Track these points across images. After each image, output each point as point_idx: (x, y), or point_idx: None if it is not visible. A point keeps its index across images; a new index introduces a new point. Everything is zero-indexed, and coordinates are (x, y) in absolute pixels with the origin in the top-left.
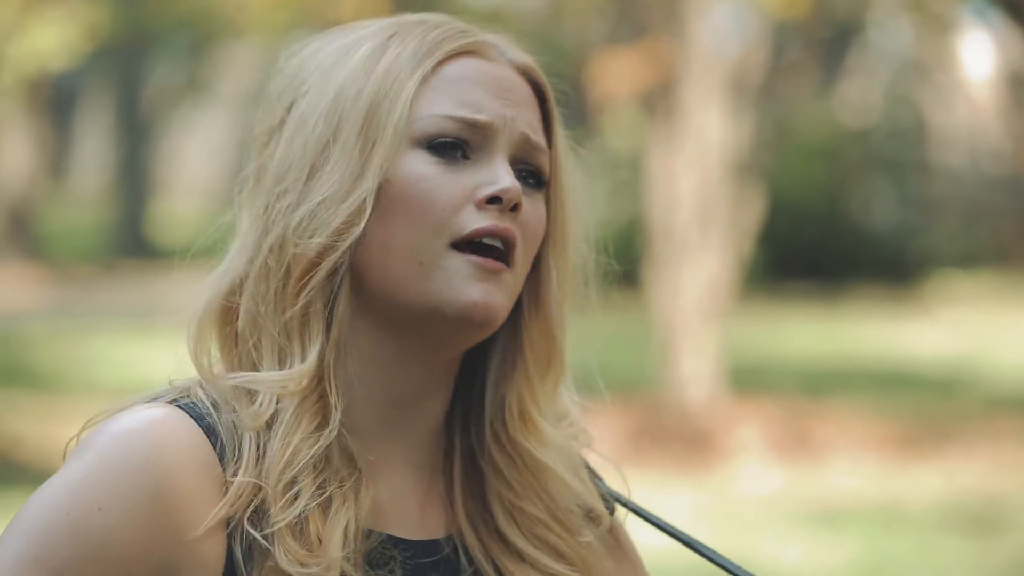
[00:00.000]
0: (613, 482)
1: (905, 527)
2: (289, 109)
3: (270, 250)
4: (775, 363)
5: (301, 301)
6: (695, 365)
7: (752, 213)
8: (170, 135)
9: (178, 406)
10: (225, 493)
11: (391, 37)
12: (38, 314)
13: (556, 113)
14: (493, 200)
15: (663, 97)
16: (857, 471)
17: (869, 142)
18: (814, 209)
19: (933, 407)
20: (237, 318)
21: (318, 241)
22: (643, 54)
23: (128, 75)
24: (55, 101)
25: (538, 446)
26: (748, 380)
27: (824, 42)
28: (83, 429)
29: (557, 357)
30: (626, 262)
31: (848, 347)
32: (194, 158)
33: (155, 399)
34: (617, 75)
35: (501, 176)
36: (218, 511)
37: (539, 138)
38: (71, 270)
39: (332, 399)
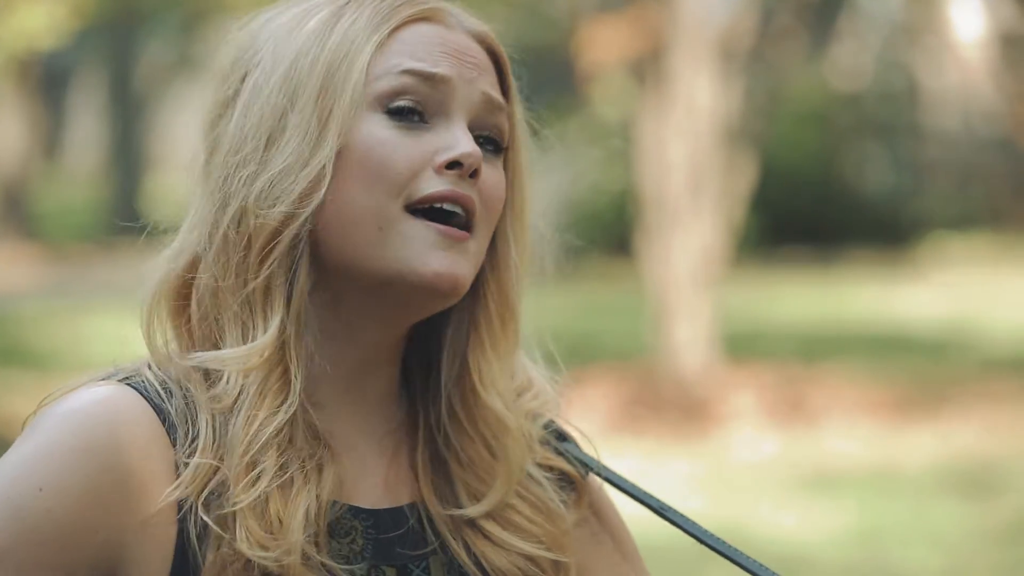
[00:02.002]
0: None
1: (901, 491)
2: (243, 80)
3: (230, 223)
4: (769, 329)
5: (264, 272)
6: (689, 333)
7: (744, 179)
8: (163, 112)
9: (128, 384)
10: (177, 474)
11: (346, 4)
12: (33, 294)
13: (512, 82)
14: (452, 165)
15: (653, 65)
16: (853, 435)
17: (861, 106)
18: (807, 174)
19: (928, 370)
20: (192, 296)
21: (280, 210)
22: (632, 22)
23: (120, 53)
24: (47, 80)
25: (502, 408)
26: (742, 347)
27: (814, 6)
28: (35, 411)
29: (513, 326)
30: (618, 231)
31: (842, 312)
32: (187, 135)
33: (105, 378)
34: (606, 43)
35: (460, 141)
36: (170, 493)
37: (500, 98)
38: (66, 249)
39: (293, 369)
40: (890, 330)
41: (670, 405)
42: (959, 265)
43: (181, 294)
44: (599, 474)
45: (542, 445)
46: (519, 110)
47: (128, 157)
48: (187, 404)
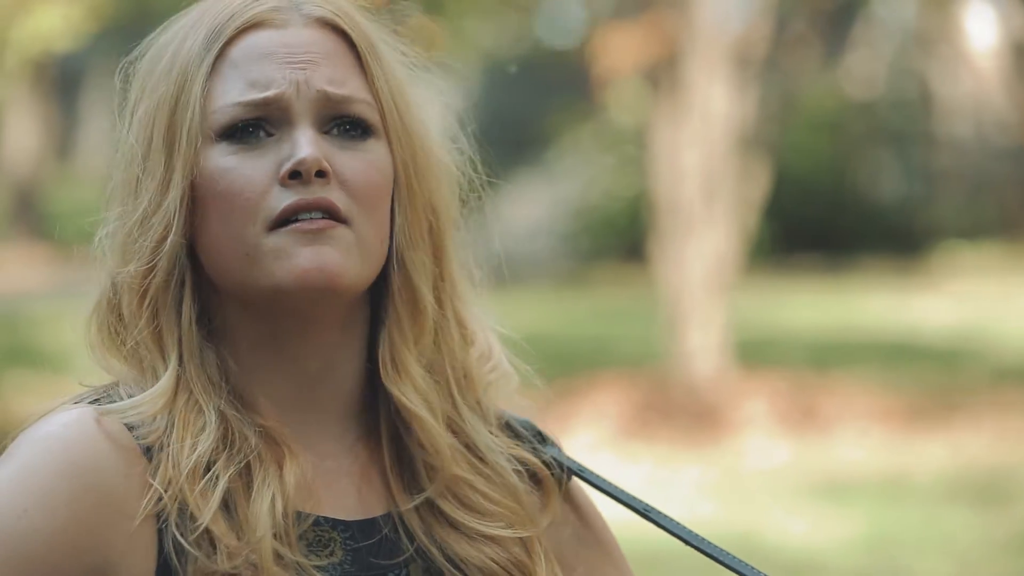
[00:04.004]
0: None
1: (912, 499)
2: (128, 123)
3: (107, 281)
4: (781, 336)
5: (144, 318)
6: (702, 339)
7: (757, 186)
8: None
9: (100, 406)
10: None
11: (192, 26)
12: (44, 294)
13: (376, 56)
14: (294, 175)
15: (667, 71)
16: (864, 443)
17: (874, 114)
18: (820, 182)
19: (939, 379)
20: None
21: (134, 268)
22: (647, 29)
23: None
24: (60, 82)
25: (410, 393)
26: (755, 354)
27: (828, 14)
28: (13, 436)
29: (421, 302)
30: (632, 237)
31: (854, 320)
32: None
33: (78, 401)
34: (621, 50)
35: (298, 148)
36: (143, 511)
37: (345, 89)
38: (78, 250)
39: (201, 399)
40: (902, 338)
41: (682, 411)
42: (971, 274)
43: (105, 325)
44: (582, 477)
45: (513, 436)
46: (395, 81)
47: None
48: None
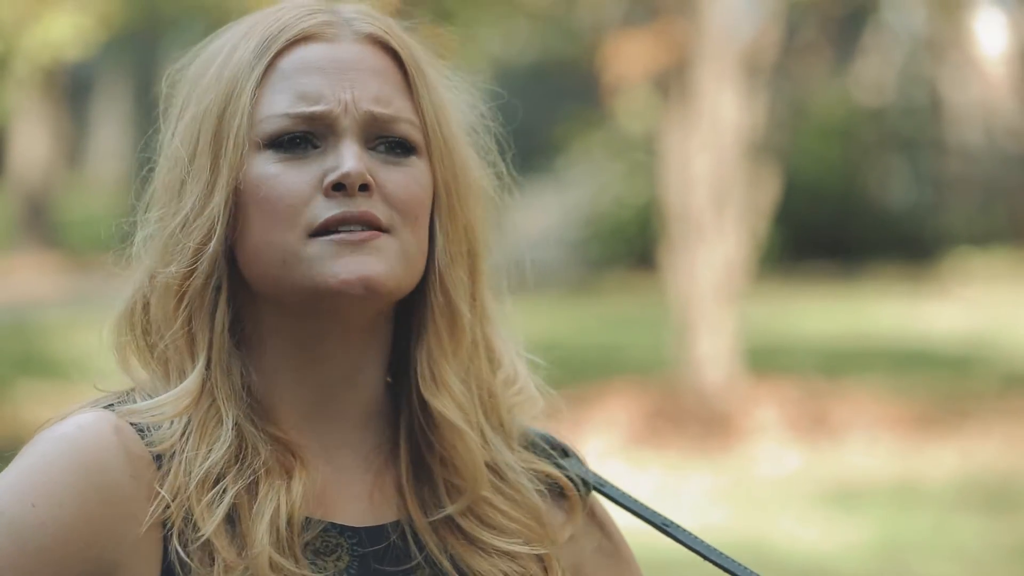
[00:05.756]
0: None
1: (923, 505)
2: (174, 127)
3: (145, 278)
4: (792, 344)
5: (179, 320)
6: (712, 346)
7: (768, 193)
8: None
9: (114, 411)
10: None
11: (243, 36)
12: (56, 303)
13: (422, 76)
14: (338, 187)
15: (677, 79)
16: (874, 450)
17: (884, 121)
18: (830, 189)
19: (950, 385)
20: (148, 329)
21: (175, 269)
22: (657, 36)
23: (144, 62)
24: (71, 90)
25: (451, 406)
26: (765, 361)
27: (838, 21)
28: (31, 436)
29: (461, 319)
30: (642, 244)
31: (865, 327)
32: None
33: (94, 405)
34: (631, 57)
35: (343, 161)
36: (149, 518)
37: (391, 109)
38: (89, 258)
39: (223, 406)
40: (912, 345)
41: (692, 419)
42: (981, 281)
43: (135, 327)
44: (602, 491)
45: (533, 450)
46: (439, 101)
47: (151, 167)
48: None
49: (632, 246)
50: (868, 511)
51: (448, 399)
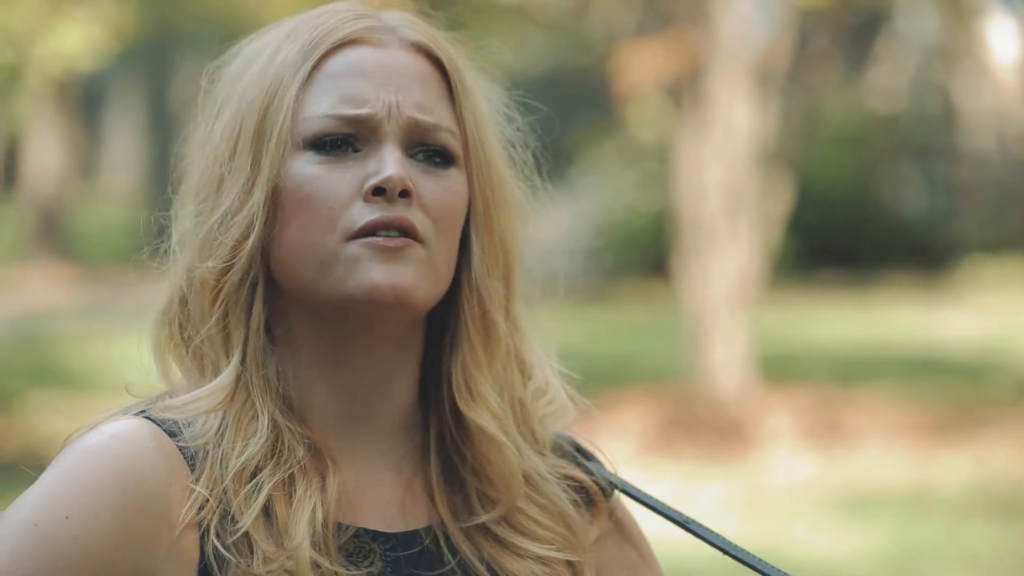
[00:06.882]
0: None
1: (937, 513)
2: (213, 123)
3: (182, 274)
4: (805, 351)
5: (215, 316)
6: (725, 354)
7: (781, 201)
8: None
9: (146, 417)
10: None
11: (287, 36)
12: (69, 313)
13: (464, 86)
14: (378, 191)
15: (690, 87)
16: (888, 458)
17: (897, 129)
18: (843, 196)
19: (964, 393)
20: (185, 327)
21: (212, 265)
22: (669, 44)
23: (157, 73)
24: (84, 100)
25: (487, 418)
26: (779, 369)
27: (850, 29)
28: (61, 447)
29: (496, 330)
30: (655, 253)
31: (878, 334)
32: None
33: (125, 412)
34: (643, 66)
35: (385, 166)
36: (183, 520)
37: (434, 118)
38: (102, 269)
39: (258, 402)
40: (926, 353)
41: (706, 427)
42: (995, 288)
43: (171, 327)
44: (625, 491)
45: (559, 454)
46: (479, 113)
47: (165, 177)
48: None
49: (645, 254)
50: (882, 518)
51: (485, 411)
